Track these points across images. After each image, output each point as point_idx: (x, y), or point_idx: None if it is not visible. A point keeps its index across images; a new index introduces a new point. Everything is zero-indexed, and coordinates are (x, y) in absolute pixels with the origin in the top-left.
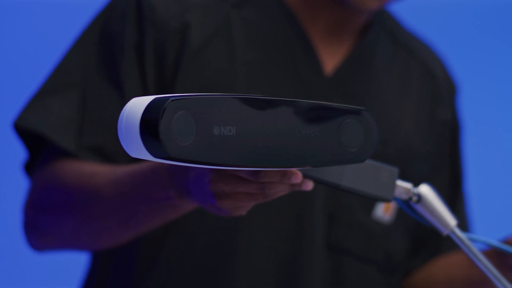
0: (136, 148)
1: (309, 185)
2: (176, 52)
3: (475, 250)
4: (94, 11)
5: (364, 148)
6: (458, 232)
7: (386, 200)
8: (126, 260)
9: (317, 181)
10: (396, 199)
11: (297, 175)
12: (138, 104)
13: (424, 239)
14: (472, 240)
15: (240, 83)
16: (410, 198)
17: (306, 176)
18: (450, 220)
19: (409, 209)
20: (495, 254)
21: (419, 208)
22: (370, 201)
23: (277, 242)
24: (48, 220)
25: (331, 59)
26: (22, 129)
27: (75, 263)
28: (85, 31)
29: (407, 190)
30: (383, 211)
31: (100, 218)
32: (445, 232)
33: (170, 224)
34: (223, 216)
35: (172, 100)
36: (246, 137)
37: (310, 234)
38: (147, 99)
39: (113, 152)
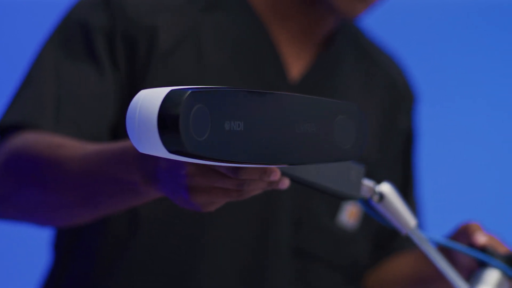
0: (150, 143)
1: (286, 183)
2: (146, 52)
3: (434, 250)
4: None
5: (357, 144)
6: (417, 232)
7: (354, 198)
8: (87, 259)
9: (292, 179)
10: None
11: (276, 173)
12: (152, 96)
13: (379, 239)
14: (432, 240)
15: None
16: (372, 197)
17: (282, 174)
18: (410, 220)
19: (368, 208)
20: (444, 251)
21: (380, 207)
22: (335, 206)
23: (243, 247)
24: (7, 185)
25: (297, 66)
26: (4, 130)
27: (37, 262)
28: (55, 30)
29: (370, 189)
30: (348, 217)
31: (60, 192)
32: (404, 231)
33: (135, 225)
34: (190, 210)
35: (192, 92)
36: (253, 133)
37: (276, 239)
38: (162, 91)
39: (92, 132)
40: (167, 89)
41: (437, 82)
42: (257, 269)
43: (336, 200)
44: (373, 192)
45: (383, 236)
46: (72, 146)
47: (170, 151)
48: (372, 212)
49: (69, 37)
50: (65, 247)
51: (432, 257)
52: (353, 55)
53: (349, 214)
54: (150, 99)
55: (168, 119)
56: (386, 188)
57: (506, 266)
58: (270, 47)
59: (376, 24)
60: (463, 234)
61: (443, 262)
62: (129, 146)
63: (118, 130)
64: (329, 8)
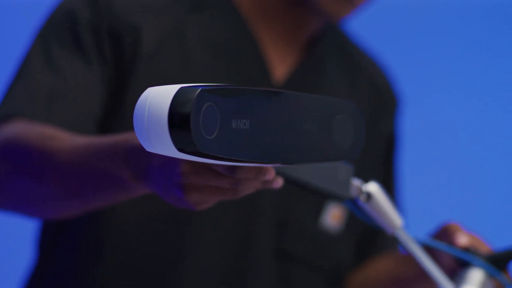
0: (160, 141)
1: (279, 182)
2: (131, 51)
3: (419, 250)
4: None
5: (355, 142)
6: (403, 232)
7: (343, 197)
8: (69, 257)
9: (287, 179)
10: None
11: (271, 172)
12: (162, 94)
13: (362, 240)
14: (417, 240)
15: None
16: (359, 196)
17: (277, 173)
18: (396, 219)
19: (355, 207)
20: (426, 251)
21: (367, 207)
22: (318, 209)
23: (225, 249)
24: None
25: (281, 67)
26: None
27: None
28: (45, 23)
29: (358, 188)
30: (331, 219)
31: (49, 183)
32: (390, 231)
33: (116, 224)
34: (171, 211)
35: (202, 90)
36: (259, 132)
37: (258, 241)
38: (171, 88)
39: (79, 124)
40: (176, 87)
41: (421, 83)
42: (239, 271)
43: (319, 202)
44: (361, 191)
45: (365, 237)
46: (63, 138)
47: (180, 150)
48: (359, 212)
49: (59, 30)
50: (47, 245)
51: (418, 257)
52: (337, 58)
53: (333, 217)
54: (159, 96)
55: (179, 118)
56: (373, 187)
57: (489, 265)
58: (255, 48)
59: (362, 26)
60: (443, 234)
61: (429, 262)
62: (119, 140)
63: (105, 124)
64: (314, 10)
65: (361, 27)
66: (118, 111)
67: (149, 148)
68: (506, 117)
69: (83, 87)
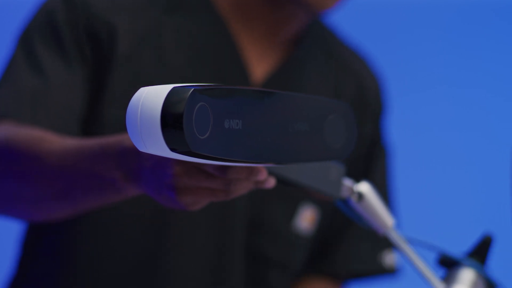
0: (152, 141)
1: (271, 183)
2: (108, 51)
3: (410, 250)
4: None
5: (347, 142)
6: (394, 232)
7: (334, 197)
8: (48, 262)
9: (278, 178)
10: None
11: (263, 172)
12: (155, 94)
13: (319, 245)
14: (409, 240)
15: None
16: (351, 196)
17: (269, 173)
18: (388, 219)
19: (346, 207)
20: None
21: (358, 206)
22: (291, 211)
23: (199, 250)
24: None
25: (261, 67)
26: None
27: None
28: (28, 23)
29: (349, 188)
30: (304, 222)
31: (38, 185)
32: (382, 231)
33: (94, 228)
34: (149, 212)
35: (195, 90)
36: (251, 131)
37: (231, 243)
38: (164, 88)
39: (63, 124)
40: (169, 87)
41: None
42: (213, 272)
43: (293, 204)
44: (352, 191)
45: (322, 244)
46: (52, 141)
47: (173, 150)
48: (350, 212)
49: (40, 31)
50: (29, 247)
51: (409, 256)
52: (322, 57)
53: (305, 219)
54: (152, 96)
55: (171, 117)
56: (365, 187)
57: (479, 265)
58: (233, 48)
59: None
60: None
61: (420, 261)
62: (110, 142)
63: (85, 125)
64: (298, 3)
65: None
66: (96, 110)
67: (142, 148)
68: (497, 115)
69: (67, 88)
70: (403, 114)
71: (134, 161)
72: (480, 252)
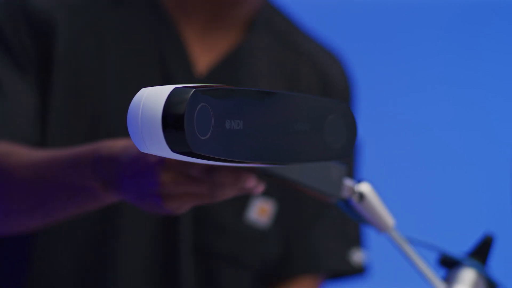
0: (153, 142)
1: (260, 188)
2: (48, 49)
3: (412, 251)
4: None
5: (348, 142)
6: (395, 232)
7: (335, 197)
8: (5, 274)
9: (277, 178)
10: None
11: (251, 180)
12: (156, 95)
13: (290, 237)
14: (410, 240)
15: (110, 83)
16: (352, 196)
17: (268, 174)
18: (389, 220)
19: (347, 207)
20: None
21: (359, 206)
22: (242, 204)
23: (146, 247)
24: None
25: (206, 58)
26: None
27: None
28: None
29: (350, 188)
30: (258, 214)
31: (10, 200)
32: (382, 231)
33: (46, 233)
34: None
35: (196, 91)
36: (252, 132)
37: (178, 238)
38: (165, 89)
39: (23, 133)
40: (170, 87)
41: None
42: (161, 269)
43: (243, 196)
44: (353, 191)
45: (294, 236)
46: (21, 154)
47: (174, 150)
48: (350, 212)
49: None
50: None
51: (410, 257)
52: (275, 44)
53: (259, 211)
54: (153, 97)
55: (172, 118)
56: (366, 187)
57: (480, 265)
58: (176, 41)
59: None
60: None
61: (421, 262)
62: (84, 151)
63: (47, 130)
64: None
65: (349, 25)
66: (43, 111)
67: (143, 149)
68: (497, 115)
69: (23, 95)
70: (403, 114)
71: (112, 169)
72: (481, 252)
